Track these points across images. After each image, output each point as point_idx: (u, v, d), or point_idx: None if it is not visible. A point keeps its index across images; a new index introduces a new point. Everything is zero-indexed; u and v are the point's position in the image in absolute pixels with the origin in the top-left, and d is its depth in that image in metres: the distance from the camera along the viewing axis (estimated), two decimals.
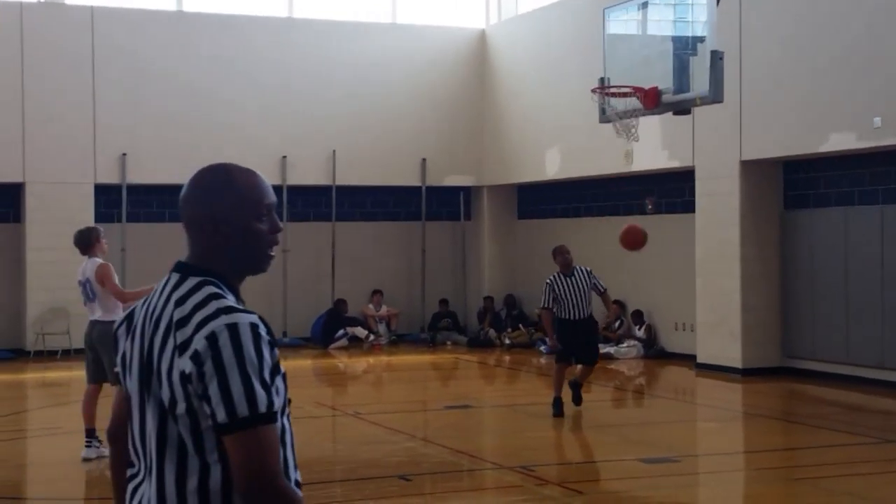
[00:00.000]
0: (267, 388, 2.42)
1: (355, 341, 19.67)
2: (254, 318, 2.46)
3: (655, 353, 17.53)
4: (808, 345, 15.05)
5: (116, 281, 9.67)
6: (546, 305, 11.89)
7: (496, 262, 21.10)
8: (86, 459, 9.58)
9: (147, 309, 2.60)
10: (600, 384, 15.49)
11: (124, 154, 18.60)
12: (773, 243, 15.33)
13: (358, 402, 13.97)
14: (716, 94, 11.01)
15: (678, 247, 16.93)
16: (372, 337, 19.80)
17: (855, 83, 13.27)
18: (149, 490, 2.54)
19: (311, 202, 20.44)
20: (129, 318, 2.66)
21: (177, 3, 19.53)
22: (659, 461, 9.67)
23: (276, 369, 2.48)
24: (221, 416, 2.39)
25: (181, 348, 2.45)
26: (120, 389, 2.70)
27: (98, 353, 9.61)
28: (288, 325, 19.80)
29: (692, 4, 11.84)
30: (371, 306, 20.37)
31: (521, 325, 19.76)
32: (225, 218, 2.59)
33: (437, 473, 9.40)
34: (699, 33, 11.50)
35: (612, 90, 12.12)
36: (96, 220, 17.94)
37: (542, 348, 18.63)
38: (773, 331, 15.34)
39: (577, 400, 12.01)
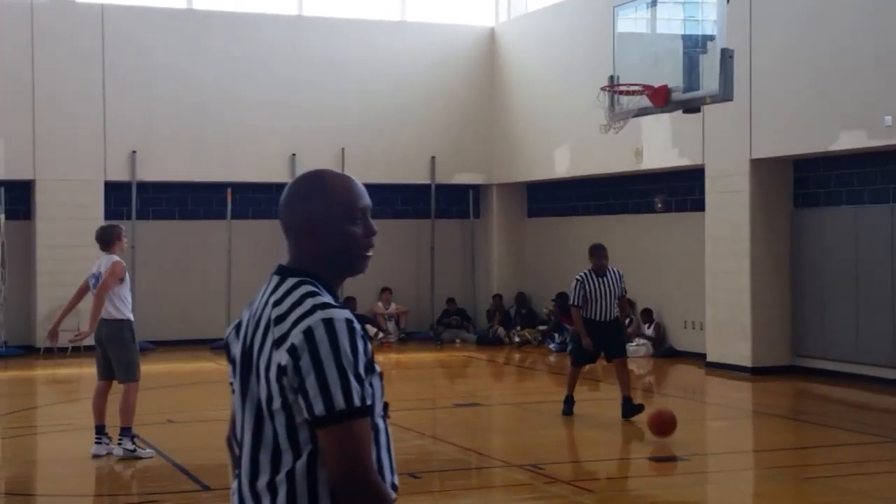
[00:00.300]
0: (361, 382, 2.48)
1: None
2: (348, 314, 2.53)
3: (665, 351, 17.50)
4: (818, 343, 15.01)
5: (120, 282, 9.56)
6: (576, 303, 11.59)
7: (505, 261, 21.10)
8: (95, 456, 9.60)
9: (251, 312, 2.70)
10: (609, 382, 15.46)
11: (134, 151, 18.64)
12: (783, 242, 15.30)
13: None
14: (726, 93, 10.98)
15: (688, 245, 16.91)
16: (381, 335, 19.81)
17: (866, 81, 13.23)
18: (244, 484, 2.62)
19: None
20: (239, 322, 2.75)
21: (187, 1, 19.55)
22: (668, 460, 9.66)
23: (370, 366, 2.54)
24: (319, 409, 2.46)
25: (278, 343, 2.53)
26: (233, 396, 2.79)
27: (106, 350, 9.63)
28: None
29: (702, 3, 11.81)
30: (380, 304, 20.38)
31: (527, 333, 19.68)
32: (321, 222, 2.68)
33: (446, 471, 9.40)
34: (709, 31, 11.48)
35: (622, 88, 12.10)
36: (106, 218, 17.98)
37: (552, 346, 18.63)
38: (783, 329, 15.31)
39: (635, 410, 11.48)
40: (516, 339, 19.54)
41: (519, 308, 20.31)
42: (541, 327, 19.62)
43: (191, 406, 13.22)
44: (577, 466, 9.90)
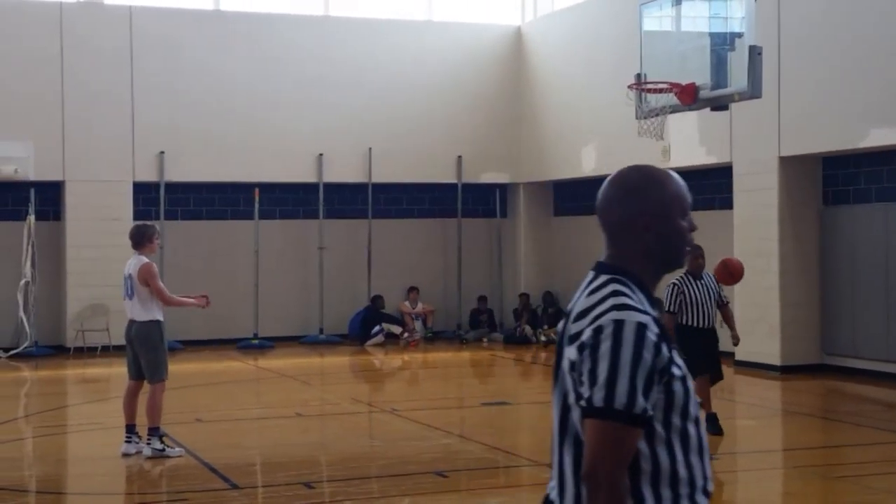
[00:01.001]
0: (634, 389, 2.47)
1: (392, 338, 19.71)
2: (645, 319, 2.52)
3: None
4: (848, 342, 14.91)
5: (160, 281, 9.71)
6: (672, 310, 10.57)
7: (532, 260, 21.07)
8: (125, 455, 9.67)
9: (569, 306, 2.72)
10: None
11: (162, 152, 18.74)
12: (812, 239, 15.20)
13: (394, 398, 14.00)
14: (754, 90, 10.92)
15: (716, 243, 16.78)
16: (407, 334, 19.83)
17: (895, 78, 13.12)
18: (554, 478, 2.69)
19: (348, 199, 20.50)
20: (566, 314, 2.78)
21: (214, 2, 19.64)
22: None
23: (662, 374, 2.52)
24: (583, 399, 2.51)
25: (573, 339, 2.58)
26: None
27: (136, 350, 9.69)
28: (324, 322, 19.87)
29: (729, 0, 11.76)
30: (407, 303, 20.41)
31: (552, 333, 19.62)
32: (657, 216, 2.69)
33: (474, 470, 9.40)
34: (737, 28, 11.42)
35: (649, 86, 12.05)
36: (135, 218, 18.09)
37: None
38: (813, 328, 15.21)
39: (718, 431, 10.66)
40: (542, 339, 19.51)
41: (546, 307, 20.28)
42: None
43: (219, 405, 13.28)
44: None
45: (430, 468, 9.18)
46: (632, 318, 2.51)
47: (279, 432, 11.35)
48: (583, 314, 2.59)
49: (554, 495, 2.67)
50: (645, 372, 2.48)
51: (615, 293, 2.59)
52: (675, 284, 10.66)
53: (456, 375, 16.91)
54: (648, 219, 2.67)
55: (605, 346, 2.48)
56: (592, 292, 2.63)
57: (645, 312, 2.54)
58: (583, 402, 2.50)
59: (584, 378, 2.50)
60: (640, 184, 2.71)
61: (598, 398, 2.46)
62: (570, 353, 2.56)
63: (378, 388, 15.84)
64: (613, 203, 2.72)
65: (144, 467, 9.42)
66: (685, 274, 10.73)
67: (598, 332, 2.51)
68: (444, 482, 8.78)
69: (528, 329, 19.96)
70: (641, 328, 2.50)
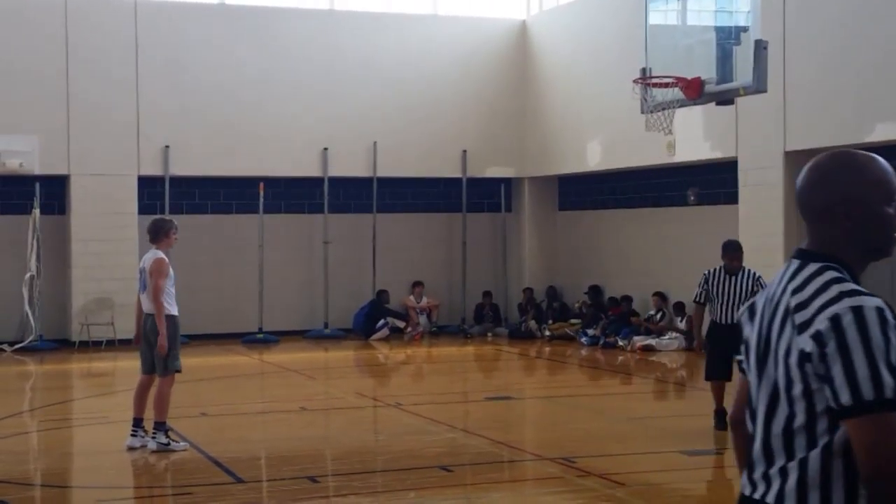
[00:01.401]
0: (894, 372, 2.39)
1: (396, 333, 19.73)
2: (879, 302, 2.46)
3: None
4: None
5: (166, 280, 9.60)
6: (697, 300, 10.63)
7: (537, 254, 21.06)
8: (130, 448, 9.68)
9: (767, 295, 2.65)
10: (642, 376, 15.43)
11: (167, 146, 18.74)
12: None
13: (399, 393, 14.02)
14: (759, 84, 10.90)
15: (720, 238, 16.74)
16: (411, 328, 19.84)
17: None
18: (757, 468, 2.62)
19: (352, 194, 20.50)
20: (752, 305, 2.72)
21: None
22: (701, 453, 9.61)
23: None
24: (845, 398, 2.40)
25: (800, 329, 2.49)
26: (743, 377, 2.77)
27: (150, 344, 9.68)
28: (329, 316, 19.88)
29: None
30: (412, 298, 20.41)
31: (566, 328, 19.61)
32: (858, 202, 2.60)
33: (478, 464, 9.41)
34: (742, 22, 11.40)
35: (654, 81, 12.03)
36: (139, 212, 18.15)
37: (583, 340, 18.57)
38: None
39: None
40: (547, 333, 19.50)
41: (550, 302, 20.28)
42: (572, 321, 19.57)
43: (224, 399, 13.30)
44: (609, 460, 9.86)
45: (434, 462, 9.19)
46: (868, 302, 2.44)
47: (284, 426, 11.36)
48: (804, 304, 2.50)
49: (760, 494, 2.58)
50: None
51: (837, 280, 2.51)
52: (704, 275, 10.62)
53: (460, 370, 16.92)
54: (848, 206, 2.59)
55: (853, 336, 2.40)
56: (808, 280, 2.54)
57: (875, 296, 2.48)
58: (846, 401, 2.39)
59: (836, 375, 2.40)
60: (838, 169, 2.65)
61: (867, 392, 2.37)
62: (803, 343, 2.46)
63: (382, 383, 15.85)
64: (812, 189, 2.65)
65: (149, 461, 9.43)
66: (719, 267, 10.59)
67: (836, 321, 2.42)
68: (448, 476, 8.79)
69: (532, 324, 19.95)
70: (881, 311, 2.43)
